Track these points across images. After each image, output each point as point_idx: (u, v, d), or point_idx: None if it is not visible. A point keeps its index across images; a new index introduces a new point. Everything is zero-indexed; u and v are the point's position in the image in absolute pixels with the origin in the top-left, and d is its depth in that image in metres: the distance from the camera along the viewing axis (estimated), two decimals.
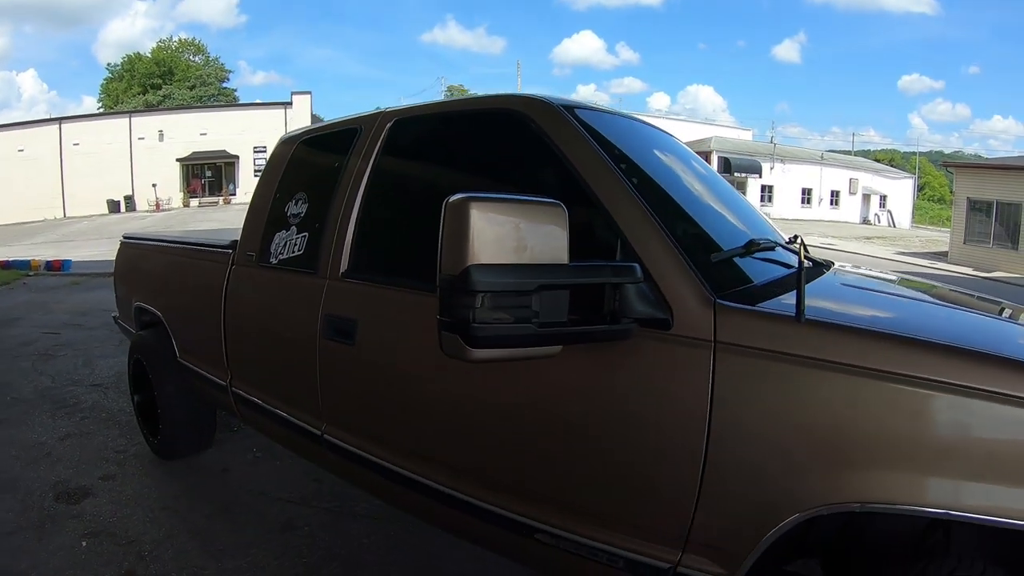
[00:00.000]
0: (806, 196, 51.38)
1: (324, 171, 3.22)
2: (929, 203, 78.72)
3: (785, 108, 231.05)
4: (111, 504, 3.89)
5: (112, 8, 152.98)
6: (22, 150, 44.43)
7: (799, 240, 2.18)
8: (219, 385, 3.69)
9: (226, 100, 66.61)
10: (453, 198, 1.66)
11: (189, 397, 4.28)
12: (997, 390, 1.51)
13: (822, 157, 54.36)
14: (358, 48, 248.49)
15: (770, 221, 3.34)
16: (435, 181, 2.89)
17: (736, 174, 44.70)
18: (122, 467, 4.45)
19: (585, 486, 2.07)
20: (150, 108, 56.76)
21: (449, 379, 2.37)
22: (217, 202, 47.01)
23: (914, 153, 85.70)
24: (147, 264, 4.92)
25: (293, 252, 3.17)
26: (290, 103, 48.47)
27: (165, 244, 4.84)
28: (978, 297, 2.98)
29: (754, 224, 2.95)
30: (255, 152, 46.75)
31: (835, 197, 52.61)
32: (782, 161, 49.90)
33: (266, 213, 3.49)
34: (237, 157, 47.83)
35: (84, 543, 3.44)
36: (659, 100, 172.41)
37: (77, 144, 45.61)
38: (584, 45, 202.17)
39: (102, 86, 73.87)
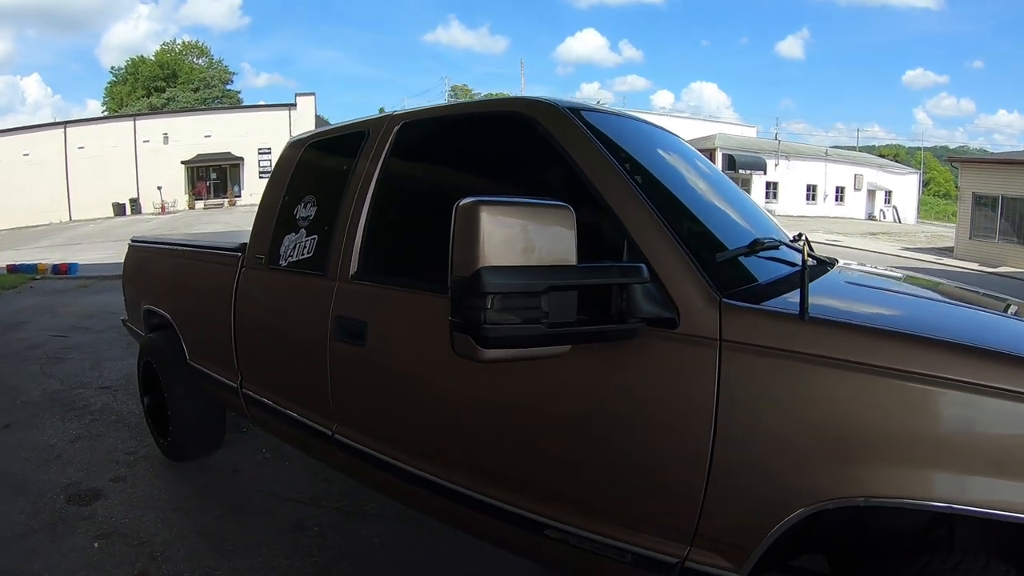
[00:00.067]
0: (811, 193, 51.23)
1: (333, 174, 3.25)
2: (935, 198, 78.47)
3: (789, 104, 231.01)
4: (122, 505, 3.91)
5: (114, 12, 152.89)
6: (27, 154, 44.46)
7: (803, 239, 2.20)
8: (229, 386, 3.71)
9: (230, 102, 66.73)
10: (463, 201, 1.69)
11: (199, 399, 4.31)
12: (1000, 386, 1.53)
13: (827, 153, 54.17)
14: (361, 49, 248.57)
15: (774, 219, 3.35)
16: (443, 183, 2.92)
17: (741, 171, 44.65)
18: (132, 469, 4.47)
19: (593, 483, 2.10)
20: (154, 111, 56.77)
21: (459, 379, 2.40)
22: (222, 204, 47.05)
23: (919, 148, 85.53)
24: (156, 267, 4.93)
25: (303, 254, 3.19)
26: (294, 104, 48.45)
27: (174, 247, 4.85)
28: (983, 293, 2.98)
29: (758, 223, 2.97)
30: (260, 154, 46.76)
31: (840, 193, 52.43)
32: (787, 158, 49.79)
33: (275, 216, 3.51)
34: (242, 159, 47.86)
35: (96, 544, 3.46)
36: (663, 98, 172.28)
37: (82, 148, 45.65)
38: (587, 43, 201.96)
39: (106, 89, 74.02)
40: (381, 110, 71.19)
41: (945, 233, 36.42)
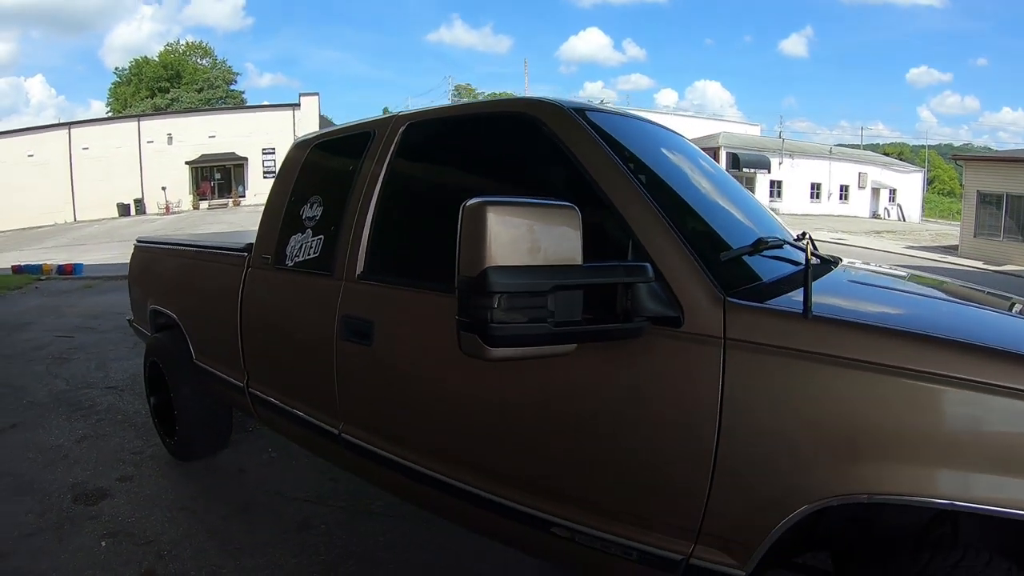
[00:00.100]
0: (815, 191, 51.15)
1: (338, 174, 3.26)
2: (939, 197, 78.24)
3: (793, 103, 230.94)
4: (129, 505, 3.93)
5: (118, 13, 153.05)
6: (32, 155, 44.55)
7: (807, 237, 2.21)
8: (236, 386, 3.73)
9: (234, 102, 66.82)
10: (470, 202, 1.71)
11: (205, 398, 4.32)
12: (1003, 384, 1.54)
13: (831, 151, 54.11)
14: (364, 49, 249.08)
15: (778, 218, 3.36)
16: (448, 184, 2.94)
17: (745, 170, 44.56)
18: (139, 468, 4.49)
19: (599, 480, 2.11)
20: (158, 111, 56.88)
21: (465, 378, 2.41)
22: (227, 204, 47.11)
23: (923, 146, 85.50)
24: (162, 267, 4.95)
25: (309, 255, 3.21)
26: (298, 104, 48.49)
27: (180, 247, 4.86)
28: (988, 292, 2.98)
29: (762, 222, 2.98)
30: (264, 154, 46.88)
31: (844, 192, 52.33)
32: (791, 156, 49.73)
33: (281, 216, 3.52)
34: (246, 159, 47.91)
35: (103, 543, 3.48)
36: (666, 96, 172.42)
37: (86, 148, 45.75)
38: (591, 42, 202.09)
39: (110, 90, 74.27)
40: (385, 110, 71.11)
41: (950, 231, 36.34)
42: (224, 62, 76.14)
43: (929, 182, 71.94)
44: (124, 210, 45.42)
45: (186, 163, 47.51)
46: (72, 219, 44.44)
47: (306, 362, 3.18)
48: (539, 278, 1.72)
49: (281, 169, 3.76)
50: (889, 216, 52.97)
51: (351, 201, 3.01)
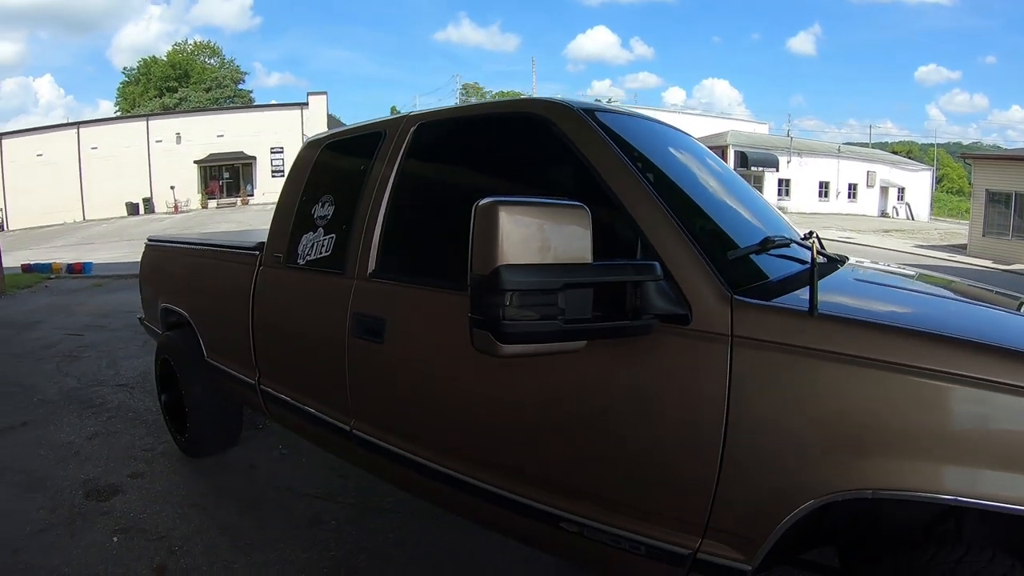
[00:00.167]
0: (823, 190, 50.91)
1: (350, 174, 3.29)
2: (948, 195, 77.91)
3: (801, 101, 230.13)
4: (140, 501, 3.96)
5: (126, 13, 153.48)
6: (41, 155, 44.80)
7: (813, 236, 2.23)
8: (247, 383, 3.75)
9: (242, 102, 66.92)
10: (482, 202, 1.74)
11: (216, 396, 4.35)
12: (1007, 382, 1.56)
13: (839, 150, 53.81)
14: (372, 48, 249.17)
15: (785, 217, 3.38)
16: (459, 183, 2.96)
17: (753, 168, 44.41)
18: (150, 465, 4.52)
19: (608, 476, 2.13)
20: (167, 111, 57.04)
21: (476, 375, 2.44)
22: (235, 203, 47.22)
23: (932, 145, 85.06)
24: (173, 266, 4.98)
25: (320, 253, 3.23)
26: (306, 104, 48.52)
27: (191, 246, 4.89)
28: (997, 292, 2.98)
29: (770, 221, 2.99)
30: (272, 153, 47.00)
31: (853, 190, 52.08)
32: (799, 154, 49.53)
33: (292, 215, 3.54)
34: (254, 158, 48.00)
35: (115, 539, 3.51)
36: (674, 95, 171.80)
37: (95, 148, 45.96)
38: (598, 41, 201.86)
39: (119, 90, 74.40)
40: (393, 109, 71.33)
41: (958, 230, 36.14)
42: (232, 61, 76.42)
43: (938, 181, 71.56)
44: (133, 209, 45.58)
45: (195, 162, 47.63)
46: (81, 218, 44.68)
47: (318, 359, 3.21)
48: (550, 276, 1.75)
49: (292, 168, 3.78)
50: (898, 215, 52.74)
51: (362, 200, 3.03)
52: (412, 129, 3.01)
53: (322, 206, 3.34)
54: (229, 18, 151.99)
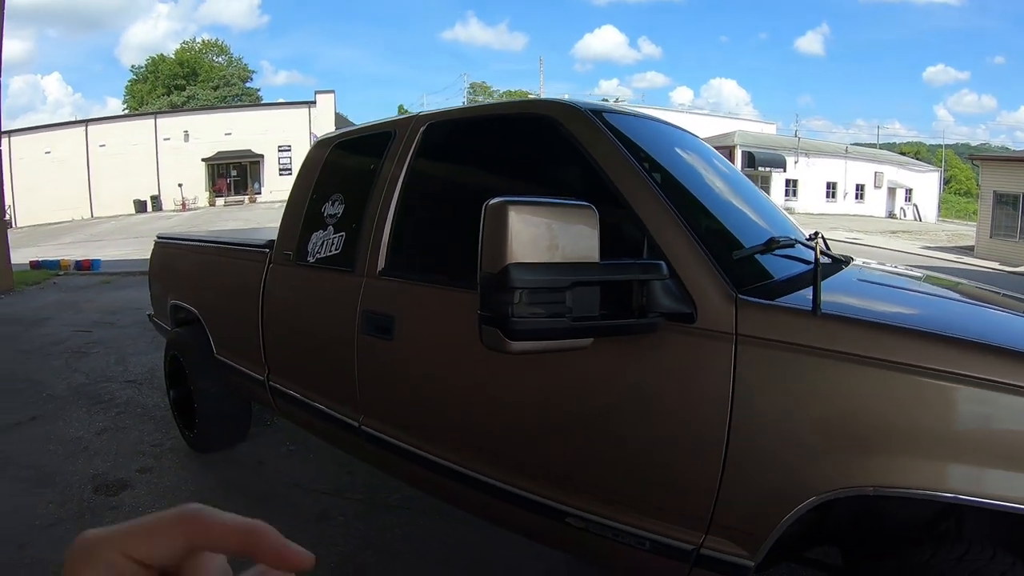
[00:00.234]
0: (831, 190, 50.76)
1: (360, 173, 3.31)
2: (956, 196, 77.62)
3: (809, 101, 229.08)
4: (149, 496, 3.99)
5: (134, 12, 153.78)
6: (49, 152, 44.85)
7: (818, 237, 2.25)
8: (256, 379, 3.78)
9: (250, 100, 66.84)
10: (492, 201, 1.76)
11: (225, 392, 4.39)
12: (1008, 382, 1.57)
13: (847, 150, 53.64)
14: (380, 46, 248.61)
15: (791, 218, 3.40)
16: (468, 183, 2.99)
17: (760, 169, 44.35)
18: (159, 460, 4.55)
19: (613, 472, 2.16)
20: (175, 109, 57.05)
21: (484, 372, 2.47)
22: (243, 201, 47.21)
23: (940, 146, 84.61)
24: (183, 263, 5.02)
25: (331, 251, 3.26)
26: (314, 102, 48.47)
27: (201, 243, 4.92)
28: (1003, 294, 2.98)
29: (775, 221, 3.02)
30: (280, 151, 47.06)
31: (860, 191, 51.91)
32: (806, 155, 49.39)
33: (303, 213, 3.57)
34: (262, 156, 47.99)
35: None
36: (682, 95, 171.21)
37: (103, 145, 45.99)
38: (606, 40, 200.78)
39: (127, 88, 74.49)
40: (400, 107, 71.31)
41: (966, 232, 36.04)
42: (240, 60, 76.44)
43: (946, 182, 71.37)
44: (141, 207, 45.63)
45: (202, 160, 47.65)
46: (89, 215, 44.76)
47: (327, 356, 3.24)
48: (558, 274, 1.78)
49: (302, 167, 3.82)
50: (905, 216, 52.57)
51: (372, 199, 3.06)
52: (422, 129, 3.03)
53: (332, 204, 3.37)
54: (237, 16, 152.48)
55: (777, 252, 2.31)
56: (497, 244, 1.73)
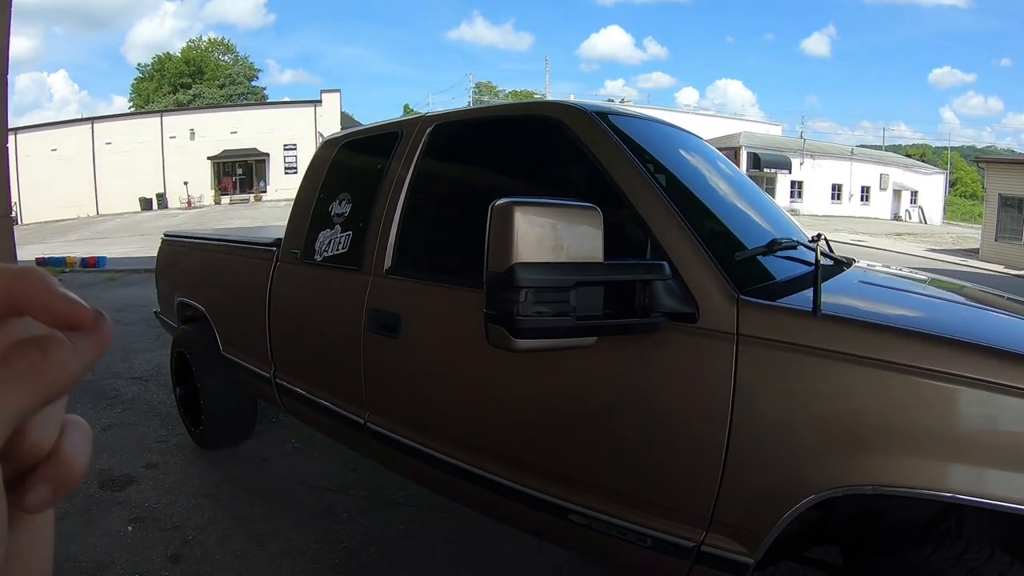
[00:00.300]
0: (836, 192, 50.61)
1: (367, 172, 3.34)
2: (961, 199, 77.50)
3: (814, 102, 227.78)
4: (155, 491, 4.02)
5: (140, 10, 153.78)
6: (55, 149, 44.93)
7: (820, 238, 2.27)
8: (263, 376, 3.81)
9: (256, 99, 66.84)
10: (499, 202, 1.80)
11: (231, 389, 4.41)
12: (1002, 382, 1.59)
13: (852, 152, 53.47)
14: (385, 46, 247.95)
15: (794, 220, 3.42)
16: (474, 183, 3.02)
17: (766, 170, 44.28)
18: (164, 456, 4.58)
19: (615, 469, 2.18)
20: (181, 107, 57.04)
21: (488, 370, 2.50)
22: (248, 199, 47.21)
23: (946, 148, 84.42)
24: (190, 261, 5.04)
25: (338, 250, 3.28)
26: (319, 101, 48.43)
27: (208, 241, 4.94)
28: (1008, 297, 2.98)
29: (778, 223, 3.05)
30: (285, 150, 47.07)
31: (866, 193, 51.76)
32: (812, 156, 49.26)
33: (310, 212, 3.59)
34: (268, 155, 47.98)
35: (130, 528, 3.57)
36: (687, 95, 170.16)
37: (109, 143, 46.05)
38: (612, 40, 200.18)
39: (133, 86, 74.41)
40: (406, 107, 71.29)
41: (971, 234, 35.95)
42: (246, 58, 76.29)
43: (951, 184, 71.13)
44: (146, 204, 45.67)
45: (208, 158, 47.63)
46: (94, 213, 44.78)
47: (333, 353, 3.27)
48: (563, 274, 1.81)
49: (310, 167, 3.84)
50: (910, 218, 52.44)
51: (379, 198, 3.09)
52: (428, 130, 3.06)
53: (339, 204, 3.39)
54: (243, 15, 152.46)
55: (779, 254, 2.33)
56: (503, 244, 1.76)
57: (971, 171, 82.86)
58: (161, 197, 46.44)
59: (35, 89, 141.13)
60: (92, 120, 48.51)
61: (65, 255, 18.23)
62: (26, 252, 17.52)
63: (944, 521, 1.95)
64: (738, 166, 3.62)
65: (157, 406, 5.65)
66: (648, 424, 2.08)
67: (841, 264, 2.85)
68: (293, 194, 3.91)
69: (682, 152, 3.00)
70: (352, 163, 3.65)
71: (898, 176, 53.12)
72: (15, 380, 0.33)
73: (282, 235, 3.81)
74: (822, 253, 2.03)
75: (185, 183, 46.24)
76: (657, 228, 2.12)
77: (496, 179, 2.94)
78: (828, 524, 2.15)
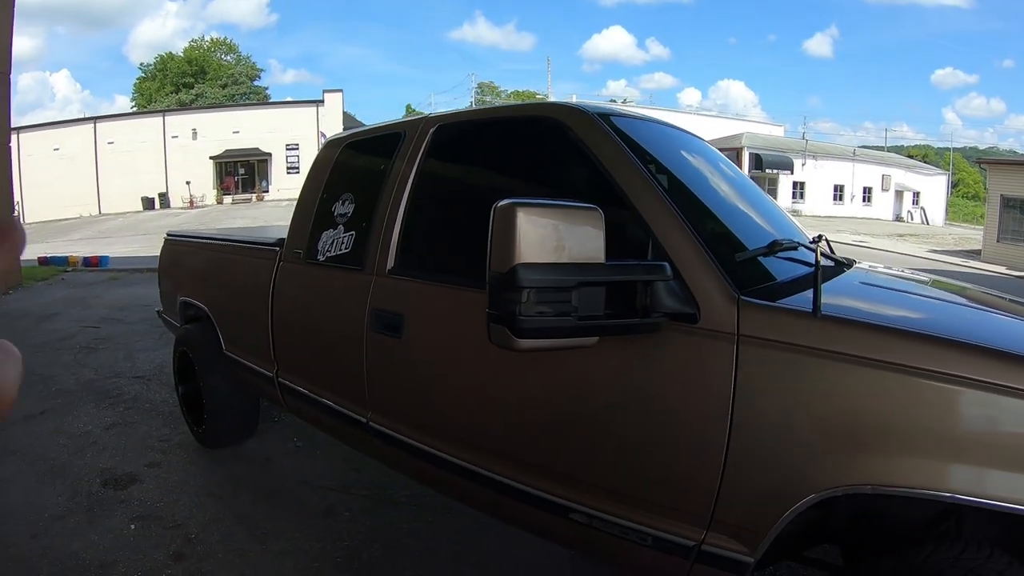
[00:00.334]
0: (838, 193, 50.59)
1: (370, 173, 3.36)
2: (963, 200, 77.35)
3: (817, 103, 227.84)
4: (158, 490, 4.03)
5: (142, 10, 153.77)
6: (58, 148, 44.99)
7: (821, 240, 2.28)
8: (266, 376, 3.81)
9: (258, 98, 66.83)
10: (501, 203, 1.81)
11: (234, 388, 4.42)
12: (1000, 383, 1.60)
13: (854, 153, 53.40)
14: (388, 46, 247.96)
15: (795, 221, 3.42)
16: (476, 184, 3.03)
17: (768, 171, 44.27)
18: (167, 455, 4.59)
19: (616, 469, 2.19)
20: (183, 107, 57.08)
21: (491, 370, 2.50)
22: (250, 199, 47.24)
23: (948, 149, 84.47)
24: (193, 260, 5.04)
25: (340, 250, 3.29)
26: (322, 101, 48.45)
27: (211, 241, 4.95)
28: (1010, 299, 2.98)
29: (779, 224, 3.06)
30: (287, 149, 47.14)
31: (868, 194, 51.73)
32: (814, 157, 49.24)
33: (313, 212, 3.60)
34: (270, 155, 48.00)
35: (132, 526, 3.58)
36: (690, 96, 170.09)
37: (111, 143, 46.12)
38: (614, 41, 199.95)
39: (135, 85, 74.35)
40: (408, 107, 71.31)
41: (973, 235, 35.87)
42: (248, 58, 76.29)
43: (954, 185, 71.17)
44: (148, 204, 45.72)
45: (210, 158, 47.66)
46: (97, 212, 44.83)
47: (336, 353, 3.27)
48: (565, 275, 1.82)
49: (313, 167, 3.84)
50: (912, 219, 52.41)
51: (382, 199, 3.09)
52: (431, 130, 3.07)
53: (342, 204, 3.40)
54: (245, 15, 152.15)
55: (780, 255, 2.33)
56: (505, 245, 1.77)
57: (973, 172, 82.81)
58: (163, 197, 46.48)
59: (38, 88, 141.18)
60: (95, 120, 48.60)
61: (68, 254, 18.23)
62: (29, 251, 17.49)
63: (944, 521, 1.96)
64: (740, 167, 3.62)
65: (159, 405, 5.65)
66: (649, 424, 2.08)
67: (842, 265, 2.85)
68: (295, 194, 3.92)
69: (683, 153, 3.01)
70: (355, 163, 3.65)
71: (900, 177, 53.11)
72: None
73: (285, 235, 3.82)
74: (822, 254, 2.03)
75: (187, 183, 46.27)
76: (658, 229, 2.13)
77: (498, 180, 2.95)
78: (828, 524, 2.15)
